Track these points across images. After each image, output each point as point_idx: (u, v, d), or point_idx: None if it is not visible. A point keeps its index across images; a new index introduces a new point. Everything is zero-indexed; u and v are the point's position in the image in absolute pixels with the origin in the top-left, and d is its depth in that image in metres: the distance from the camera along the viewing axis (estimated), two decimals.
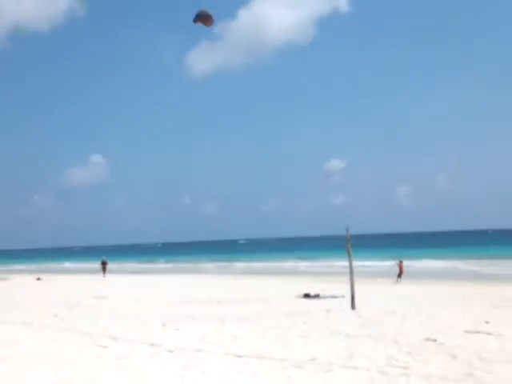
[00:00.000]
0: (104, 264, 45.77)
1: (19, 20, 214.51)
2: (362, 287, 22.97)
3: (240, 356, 10.27)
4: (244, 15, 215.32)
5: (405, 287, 29.80)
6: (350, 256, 18.55)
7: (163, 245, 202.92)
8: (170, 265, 73.17)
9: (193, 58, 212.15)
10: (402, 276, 33.96)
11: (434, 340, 11.76)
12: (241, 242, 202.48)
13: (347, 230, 18.51)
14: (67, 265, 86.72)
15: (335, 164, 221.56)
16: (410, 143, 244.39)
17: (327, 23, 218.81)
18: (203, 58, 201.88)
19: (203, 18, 14.28)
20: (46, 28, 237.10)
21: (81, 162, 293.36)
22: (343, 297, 21.44)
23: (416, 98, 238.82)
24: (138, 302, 21.56)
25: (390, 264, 35.83)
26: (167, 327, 14.03)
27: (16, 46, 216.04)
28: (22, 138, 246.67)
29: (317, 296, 22.94)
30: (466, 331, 12.99)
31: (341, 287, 24.76)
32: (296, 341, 11.92)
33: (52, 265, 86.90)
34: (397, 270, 34.52)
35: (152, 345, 11.47)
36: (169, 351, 10.76)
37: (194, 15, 14.40)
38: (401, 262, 35.05)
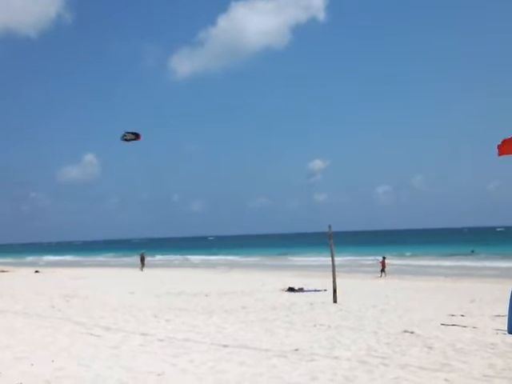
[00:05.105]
0: (142, 258, 45.05)
1: (8, 24, 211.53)
2: (343, 282, 23.10)
3: (226, 346, 10.24)
4: (223, 22, 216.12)
5: (384, 282, 29.99)
6: (332, 252, 18.63)
7: (151, 240, 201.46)
8: (158, 258, 72.55)
9: (176, 63, 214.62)
10: (385, 271, 34.25)
11: (412, 332, 11.83)
12: (227, 237, 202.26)
13: (329, 227, 18.58)
14: (64, 258, 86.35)
15: (318, 164, 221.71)
16: (389, 145, 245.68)
17: (303, 29, 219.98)
18: (186, 62, 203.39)
19: (132, 137, 15.06)
20: (34, 33, 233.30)
21: (75, 161, 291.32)
22: (325, 291, 21.53)
23: (393, 101, 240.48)
24: (130, 294, 21.47)
25: (372, 258, 36.09)
26: (158, 318, 13.99)
27: (8, 50, 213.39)
28: (20, 139, 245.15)
29: (300, 290, 22.97)
30: (442, 324, 13.09)
31: (323, 281, 24.87)
32: (280, 332, 11.91)
33: (49, 258, 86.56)
34: (379, 265, 34.79)
35: (143, 334, 11.41)
36: (159, 340, 10.74)
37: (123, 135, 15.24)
38: (384, 258, 35.31)
